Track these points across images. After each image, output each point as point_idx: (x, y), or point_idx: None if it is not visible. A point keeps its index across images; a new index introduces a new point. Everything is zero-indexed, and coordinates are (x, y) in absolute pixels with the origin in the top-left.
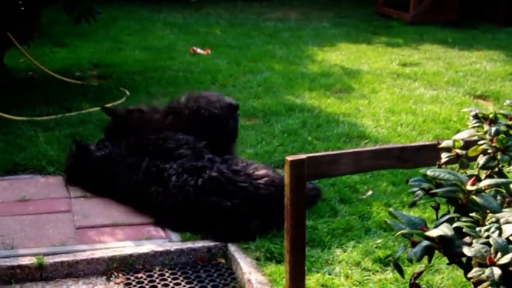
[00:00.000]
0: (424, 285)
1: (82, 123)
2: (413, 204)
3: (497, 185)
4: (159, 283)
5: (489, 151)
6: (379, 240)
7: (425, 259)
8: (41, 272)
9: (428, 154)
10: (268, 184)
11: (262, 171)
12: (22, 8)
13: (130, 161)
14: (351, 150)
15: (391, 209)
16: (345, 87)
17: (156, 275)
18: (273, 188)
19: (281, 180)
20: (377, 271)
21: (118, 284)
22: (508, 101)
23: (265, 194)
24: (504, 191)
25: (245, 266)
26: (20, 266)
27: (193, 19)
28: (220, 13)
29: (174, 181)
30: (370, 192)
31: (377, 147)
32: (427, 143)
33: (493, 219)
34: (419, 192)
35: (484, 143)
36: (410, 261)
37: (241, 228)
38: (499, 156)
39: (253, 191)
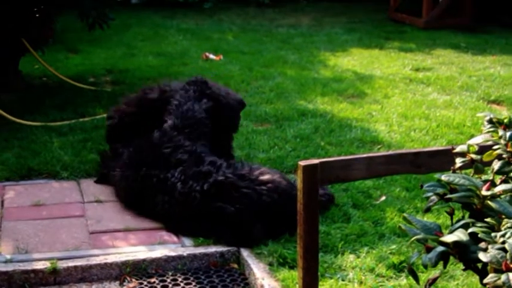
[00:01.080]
0: None
1: (95, 128)
2: (427, 210)
3: None
4: None
5: (504, 156)
6: (393, 246)
7: (440, 265)
8: (54, 276)
9: (442, 159)
10: (272, 190)
11: (266, 177)
12: (37, 15)
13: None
14: (364, 155)
15: (405, 214)
16: (358, 92)
17: (168, 280)
18: (276, 195)
19: (287, 185)
20: (391, 277)
21: None
22: None
23: (268, 201)
24: None
25: (258, 271)
26: (34, 271)
27: (206, 25)
28: (233, 19)
29: (180, 188)
30: (383, 198)
31: (390, 152)
32: (440, 148)
33: (509, 225)
34: (434, 197)
35: (499, 148)
36: (425, 267)
37: (245, 233)
38: None
39: (256, 197)
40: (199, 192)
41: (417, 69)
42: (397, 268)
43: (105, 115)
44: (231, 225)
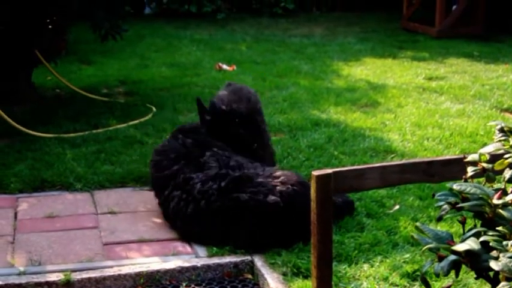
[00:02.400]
0: None
1: (109, 139)
2: (440, 219)
3: None
4: None
5: None
6: (407, 255)
7: (452, 273)
8: None
9: (456, 168)
10: (285, 182)
11: (279, 173)
12: (50, 26)
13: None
14: (378, 165)
15: (417, 224)
16: (371, 101)
17: None
18: (290, 185)
19: (299, 178)
20: (405, 286)
21: None
22: None
23: (282, 190)
24: None
25: (272, 281)
26: (47, 283)
27: (219, 35)
28: (246, 29)
29: (199, 188)
30: (397, 207)
31: (404, 161)
32: (454, 157)
33: None
34: (446, 206)
35: (510, 157)
36: (438, 275)
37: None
38: None
39: (269, 187)
40: (216, 190)
41: (430, 78)
42: (411, 277)
43: (118, 126)
44: (246, 216)
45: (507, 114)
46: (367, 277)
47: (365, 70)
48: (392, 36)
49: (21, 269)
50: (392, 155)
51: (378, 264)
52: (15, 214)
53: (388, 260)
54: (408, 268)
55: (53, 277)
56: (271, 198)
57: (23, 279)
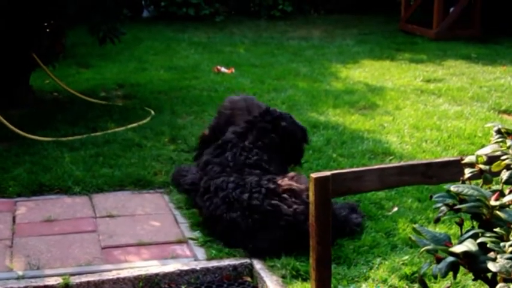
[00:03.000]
0: None
1: (107, 143)
2: (437, 220)
3: None
4: None
5: None
6: (406, 257)
7: (450, 275)
8: None
9: (454, 170)
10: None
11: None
12: (47, 30)
13: None
14: (376, 167)
15: (415, 226)
16: (369, 104)
17: None
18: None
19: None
20: None
21: None
22: None
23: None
24: None
25: (271, 284)
26: (46, 287)
27: (217, 38)
28: (245, 32)
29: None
30: (395, 209)
31: (402, 163)
32: (452, 158)
33: None
34: (443, 208)
35: (507, 158)
36: (435, 277)
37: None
38: None
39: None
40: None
41: (428, 81)
42: (410, 279)
43: (116, 130)
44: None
45: (505, 116)
46: (366, 279)
47: (363, 72)
48: (390, 39)
49: (20, 273)
50: (391, 157)
51: (376, 266)
52: (14, 218)
53: (387, 262)
54: (407, 270)
55: (52, 281)
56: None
57: (22, 284)
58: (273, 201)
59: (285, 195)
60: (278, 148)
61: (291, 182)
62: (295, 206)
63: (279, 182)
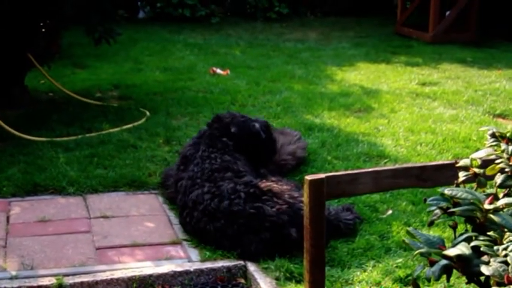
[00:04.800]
0: None
1: (102, 143)
2: (431, 223)
3: None
4: None
5: (506, 170)
6: (399, 260)
7: (444, 278)
8: None
9: (448, 173)
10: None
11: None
12: (43, 30)
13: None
14: (371, 170)
15: (409, 228)
16: (364, 106)
17: None
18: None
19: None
20: None
21: None
22: None
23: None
24: None
25: (265, 286)
26: (39, 287)
27: (213, 40)
28: (240, 34)
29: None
30: (390, 212)
31: (396, 166)
32: (446, 162)
33: (511, 238)
34: (437, 211)
35: (502, 162)
36: (429, 280)
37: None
38: None
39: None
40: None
41: (424, 84)
42: (404, 282)
43: (111, 130)
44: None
45: (500, 120)
46: (359, 282)
47: (359, 75)
48: (386, 42)
49: (13, 273)
50: (386, 160)
51: (370, 269)
52: (8, 218)
53: (380, 265)
54: (401, 273)
55: (45, 281)
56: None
57: (15, 284)
58: (256, 204)
59: (265, 197)
60: (237, 149)
61: (271, 183)
62: (277, 206)
63: (259, 184)
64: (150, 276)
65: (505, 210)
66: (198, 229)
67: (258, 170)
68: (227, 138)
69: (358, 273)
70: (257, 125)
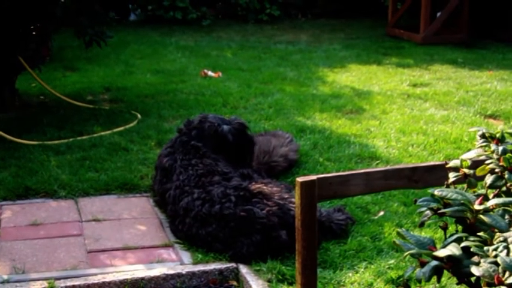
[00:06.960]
0: None
1: (93, 147)
2: (422, 225)
3: (505, 204)
4: None
5: (496, 170)
6: (391, 261)
7: (434, 279)
8: None
9: (440, 174)
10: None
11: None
12: (34, 33)
13: None
14: (362, 171)
15: (399, 230)
16: (356, 108)
17: None
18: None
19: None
20: None
21: None
22: None
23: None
24: None
25: None
26: None
27: (204, 42)
28: (232, 36)
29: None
30: (381, 213)
31: (388, 167)
32: (438, 163)
33: (501, 239)
34: (428, 212)
35: (491, 163)
36: (419, 281)
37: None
38: (506, 176)
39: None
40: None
41: (415, 85)
42: (396, 283)
43: (102, 133)
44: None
45: (491, 120)
46: (351, 283)
47: (350, 77)
48: (377, 43)
49: (5, 277)
50: (377, 162)
51: (362, 270)
52: None
53: (372, 266)
54: (393, 274)
55: (37, 285)
56: (283, 233)
57: None
58: (246, 207)
59: (255, 199)
60: (210, 151)
61: (261, 186)
62: (267, 208)
63: (249, 187)
64: (142, 279)
65: (495, 210)
66: (191, 235)
67: (237, 169)
68: (195, 141)
69: (350, 274)
70: (225, 128)
